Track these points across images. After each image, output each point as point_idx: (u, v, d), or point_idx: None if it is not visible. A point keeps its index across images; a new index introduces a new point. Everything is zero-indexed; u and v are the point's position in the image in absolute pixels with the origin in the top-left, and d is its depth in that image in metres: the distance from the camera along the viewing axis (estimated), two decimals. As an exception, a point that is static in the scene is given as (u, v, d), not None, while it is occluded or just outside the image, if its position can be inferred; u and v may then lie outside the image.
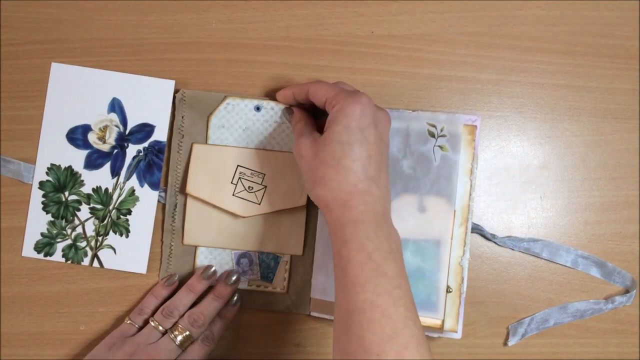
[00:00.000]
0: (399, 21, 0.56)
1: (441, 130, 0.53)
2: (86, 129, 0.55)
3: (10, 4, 0.55)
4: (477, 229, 0.55)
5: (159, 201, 0.54)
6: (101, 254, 0.54)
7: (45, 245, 0.54)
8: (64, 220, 0.54)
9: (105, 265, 0.54)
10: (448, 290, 0.52)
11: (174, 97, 0.54)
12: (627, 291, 0.55)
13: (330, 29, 0.56)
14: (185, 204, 0.54)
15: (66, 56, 0.55)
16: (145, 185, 0.54)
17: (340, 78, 0.55)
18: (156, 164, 0.54)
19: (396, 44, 0.56)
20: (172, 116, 0.55)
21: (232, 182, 0.53)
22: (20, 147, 0.55)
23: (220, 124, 0.54)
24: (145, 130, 0.55)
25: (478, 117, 0.53)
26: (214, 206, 0.53)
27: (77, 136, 0.55)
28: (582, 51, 0.56)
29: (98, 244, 0.54)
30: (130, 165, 0.54)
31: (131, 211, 0.54)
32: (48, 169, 0.54)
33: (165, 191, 0.54)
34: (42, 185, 0.54)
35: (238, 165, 0.53)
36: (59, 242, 0.54)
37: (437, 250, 0.52)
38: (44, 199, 0.54)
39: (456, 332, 0.52)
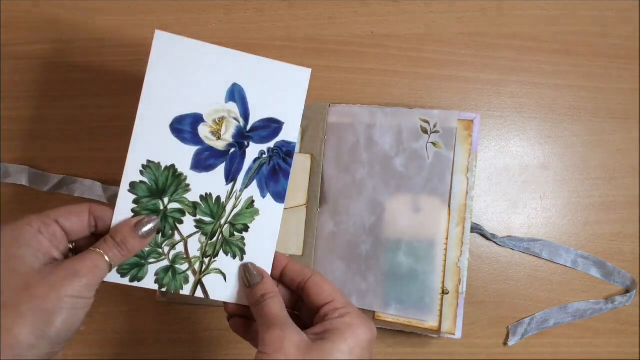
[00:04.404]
0: (399, 21, 0.56)
1: (434, 127, 0.52)
2: (197, 119, 0.43)
3: (10, 4, 0.55)
4: (477, 229, 0.54)
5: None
6: (207, 280, 0.43)
7: (132, 267, 0.42)
8: (160, 235, 0.43)
9: (211, 295, 0.43)
10: (445, 292, 0.51)
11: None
12: (627, 291, 0.55)
13: (330, 29, 0.56)
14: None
15: (66, 56, 0.55)
16: (268, 196, 0.44)
17: (340, 78, 0.55)
18: (283, 170, 0.44)
19: (396, 44, 0.56)
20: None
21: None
22: (21, 147, 0.55)
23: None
24: (271, 127, 0.44)
25: (477, 115, 0.52)
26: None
27: (185, 127, 0.43)
28: (582, 51, 0.56)
29: (204, 267, 0.43)
30: (250, 169, 0.44)
31: (248, 227, 0.44)
32: (143, 166, 0.42)
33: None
34: (133, 187, 0.42)
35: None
36: (151, 263, 0.42)
37: (430, 251, 0.51)
38: (134, 206, 0.42)
39: (454, 334, 0.51)
